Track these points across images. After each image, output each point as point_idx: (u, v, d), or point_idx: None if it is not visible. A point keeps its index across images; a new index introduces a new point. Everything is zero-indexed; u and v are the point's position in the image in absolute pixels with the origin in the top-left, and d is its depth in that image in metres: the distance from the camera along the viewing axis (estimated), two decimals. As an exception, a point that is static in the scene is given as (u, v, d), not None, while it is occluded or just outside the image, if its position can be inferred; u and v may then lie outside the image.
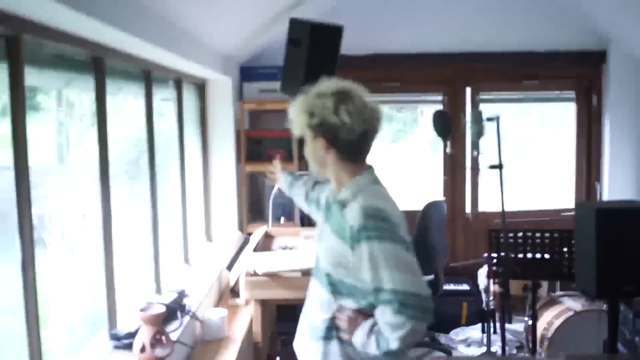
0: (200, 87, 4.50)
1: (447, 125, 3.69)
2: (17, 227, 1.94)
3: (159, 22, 2.81)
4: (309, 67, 4.10)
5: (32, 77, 2.05)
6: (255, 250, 3.66)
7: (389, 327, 1.74)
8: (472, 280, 5.03)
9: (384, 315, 1.76)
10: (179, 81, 3.89)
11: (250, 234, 4.16)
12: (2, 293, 1.99)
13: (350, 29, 5.04)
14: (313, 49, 4.03)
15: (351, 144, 1.89)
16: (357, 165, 1.96)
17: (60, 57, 2.34)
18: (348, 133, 1.86)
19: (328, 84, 1.94)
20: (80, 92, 2.75)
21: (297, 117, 1.94)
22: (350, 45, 5.06)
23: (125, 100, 3.22)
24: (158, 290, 3.29)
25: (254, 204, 5.08)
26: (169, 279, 3.53)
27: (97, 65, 2.59)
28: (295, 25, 4.03)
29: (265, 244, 3.94)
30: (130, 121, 3.39)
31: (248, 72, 4.92)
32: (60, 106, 6.88)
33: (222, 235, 4.52)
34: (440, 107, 5.35)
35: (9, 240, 1.94)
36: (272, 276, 3.15)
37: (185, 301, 3.18)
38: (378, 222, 1.79)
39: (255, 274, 3.15)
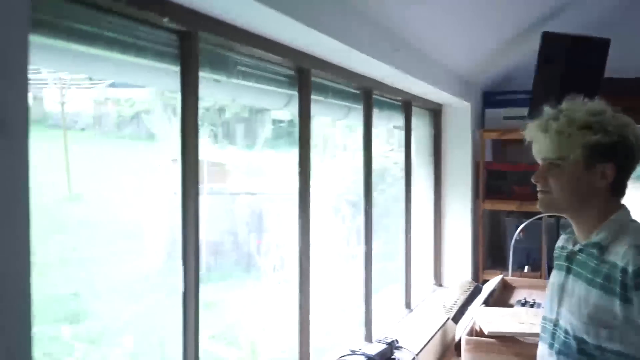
0: (435, 113, 4.08)
1: None
2: (182, 254, 1.87)
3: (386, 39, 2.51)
4: (564, 89, 3.42)
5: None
6: (486, 302, 3.07)
7: None
8: None
9: None
10: (407, 104, 3.50)
11: (485, 282, 3.57)
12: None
13: (620, 45, 4.23)
14: (570, 67, 3.38)
15: (631, 174, 1.58)
16: (619, 201, 1.61)
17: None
18: (636, 159, 1.56)
19: (581, 103, 1.59)
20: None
21: (557, 135, 1.52)
22: (620, 65, 4.24)
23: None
24: (368, 338, 2.89)
25: (493, 248, 4.43)
26: (383, 325, 3.13)
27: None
28: (549, 39, 3.42)
29: (502, 296, 3.31)
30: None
31: (491, 98, 4.36)
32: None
33: (454, 280, 3.98)
34: None
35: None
36: (502, 339, 2.54)
37: (397, 355, 2.73)
38: None
39: (480, 333, 2.58)
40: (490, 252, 4.32)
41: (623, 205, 1.60)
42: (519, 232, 3.72)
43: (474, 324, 2.71)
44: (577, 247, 1.60)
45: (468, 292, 3.32)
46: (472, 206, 4.08)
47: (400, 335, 3.00)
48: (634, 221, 1.59)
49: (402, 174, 3.55)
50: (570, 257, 1.61)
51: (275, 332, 3.49)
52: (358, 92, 2.88)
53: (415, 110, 3.86)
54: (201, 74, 1.72)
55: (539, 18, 3.61)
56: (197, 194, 1.88)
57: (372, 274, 2.94)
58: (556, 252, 1.74)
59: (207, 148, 5.95)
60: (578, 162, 1.51)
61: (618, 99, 4.34)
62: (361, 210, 3.03)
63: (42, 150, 1.53)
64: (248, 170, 5.56)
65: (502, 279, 3.46)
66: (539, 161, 1.60)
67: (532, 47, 3.65)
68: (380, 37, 2.48)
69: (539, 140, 1.56)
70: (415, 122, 4.12)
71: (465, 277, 3.61)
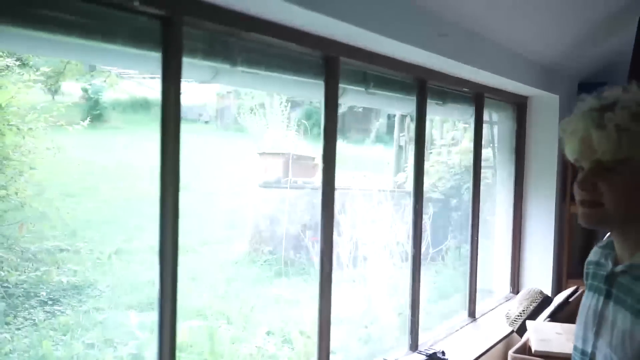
0: (519, 107, 3.74)
1: None
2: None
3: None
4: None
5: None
6: (552, 316, 2.77)
7: None
8: None
9: None
10: (479, 96, 3.24)
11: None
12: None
13: None
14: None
15: None
16: None
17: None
18: None
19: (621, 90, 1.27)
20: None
21: (637, 128, 1.20)
22: None
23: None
24: (413, 347, 2.70)
25: (580, 255, 4.01)
26: (438, 335, 2.92)
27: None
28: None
29: (574, 310, 2.96)
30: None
31: (588, 89, 3.90)
32: (402, 131, 6.67)
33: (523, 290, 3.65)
34: None
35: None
36: (550, 358, 2.25)
37: (440, 367, 2.51)
38: None
39: (528, 351, 2.31)
40: (575, 259, 3.90)
41: None
42: (606, 238, 3.35)
43: (527, 339, 2.44)
44: (619, 268, 1.30)
45: (536, 303, 3.00)
46: (556, 209, 3.70)
47: (451, 346, 2.79)
48: None
49: (471, 169, 3.28)
50: (610, 279, 1.33)
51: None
52: (413, 82, 2.69)
53: (495, 103, 3.58)
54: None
55: (631, 3, 3.19)
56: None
57: (420, 277, 2.73)
58: (589, 269, 1.45)
59: (294, 142, 5.98)
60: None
61: None
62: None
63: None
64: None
65: (579, 291, 3.10)
66: (584, 164, 1.28)
67: (631, 33, 3.27)
68: (429, 25, 2.30)
69: (590, 138, 1.23)
70: (496, 116, 3.84)
71: (536, 286, 3.26)
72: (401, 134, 6.89)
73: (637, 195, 1.22)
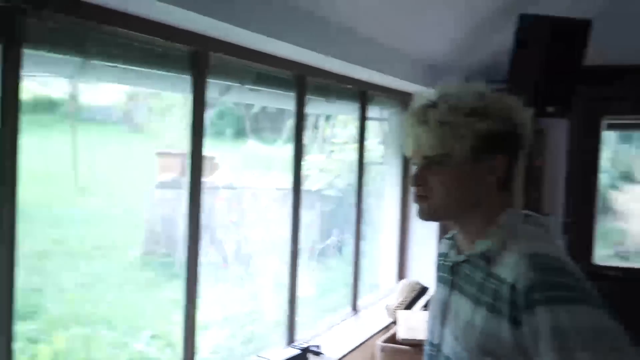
0: (407, 104, 3.82)
1: None
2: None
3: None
4: (539, 74, 3.17)
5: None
6: (426, 305, 2.84)
7: None
8: None
9: None
10: (363, 93, 3.29)
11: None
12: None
13: (616, 30, 3.90)
14: (546, 51, 3.13)
15: (517, 165, 1.30)
16: (509, 198, 1.31)
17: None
18: (525, 148, 1.29)
19: (464, 86, 1.31)
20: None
21: (439, 127, 1.23)
22: (616, 52, 3.92)
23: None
24: (290, 342, 2.71)
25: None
26: (319, 329, 2.95)
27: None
28: (526, 21, 3.17)
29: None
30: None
31: (473, 87, 4.07)
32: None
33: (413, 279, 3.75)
34: None
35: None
36: (418, 347, 2.31)
37: (314, 361, 2.53)
38: (561, 276, 1.15)
39: (395, 340, 2.37)
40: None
41: (513, 203, 1.31)
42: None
43: (396, 329, 2.50)
44: (460, 258, 1.32)
45: (414, 294, 3.08)
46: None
47: (331, 340, 2.82)
48: (527, 222, 1.30)
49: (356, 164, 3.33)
50: (453, 269, 1.34)
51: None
52: (290, 79, 2.69)
53: (384, 100, 3.66)
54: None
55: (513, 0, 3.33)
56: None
57: (297, 273, 2.75)
58: (439, 261, 1.46)
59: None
60: (465, 156, 1.23)
61: (616, 86, 4.04)
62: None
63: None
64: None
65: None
66: (415, 161, 1.29)
67: (511, 30, 3.40)
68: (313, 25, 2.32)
69: (416, 135, 1.25)
70: (383, 113, 3.92)
71: (415, 278, 3.36)
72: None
73: (463, 187, 1.25)
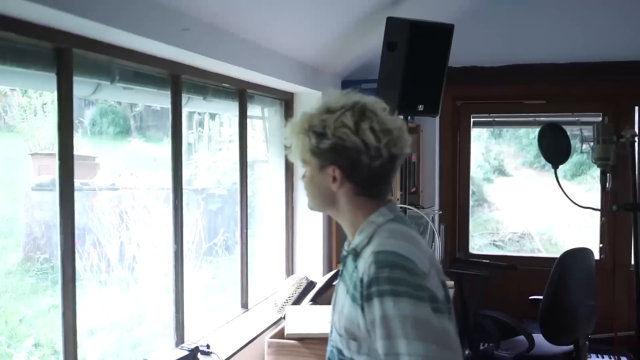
0: (287, 103, 3.89)
1: (561, 145, 2.62)
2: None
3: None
4: (407, 76, 3.31)
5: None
6: (314, 300, 2.92)
7: None
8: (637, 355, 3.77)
9: None
10: (242, 92, 3.30)
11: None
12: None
13: (480, 34, 4.19)
14: (412, 53, 3.26)
15: (373, 174, 1.44)
16: (378, 201, 1.47)
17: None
18: (372, 159, 1.41)
19: (338, 97, 1.47)
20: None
21: (296, 138, 1.45)
22: (482, 54, 4.22)
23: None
24: (179, 343, 2.68)
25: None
26: (209, 328, 2.94)
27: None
28: (393, 25, 3.30)
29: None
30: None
31: (351, 86, 4.19)
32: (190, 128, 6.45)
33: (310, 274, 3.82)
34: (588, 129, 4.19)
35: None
36: (306, 340, 2.38)
37: (203, 360, 2.53)
38: (393, 271, 1.30)
39: (283, 335, 2.41)
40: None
41: (389, 202, 1.47)
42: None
43: (285, 325, 2.55)
44: (344, 252, 1.49)
45: (301, 289, 3.15)
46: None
47: (220, 339, 2.82)
48: (397, 221, 1.45)
49: (237, 163, 3.35)
50: (343, 261, 1.49)
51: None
52: (165, 77, 2.66)
53: (264, 99, 3.69)
54: None
55: (382, 4, 3.48)
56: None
57: (183, 273, 2.73)
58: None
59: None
60: (313, 165, 1.45)
61: (483, 86, 4.28)
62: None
63: None
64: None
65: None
66: None
67: (382, 32, 3.54)
68: (173, 20, 2.29)
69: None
70: (265, 111, 3.95)
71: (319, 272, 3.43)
72: (190, 131, 6.83)
73: (318, 188, 1.46)
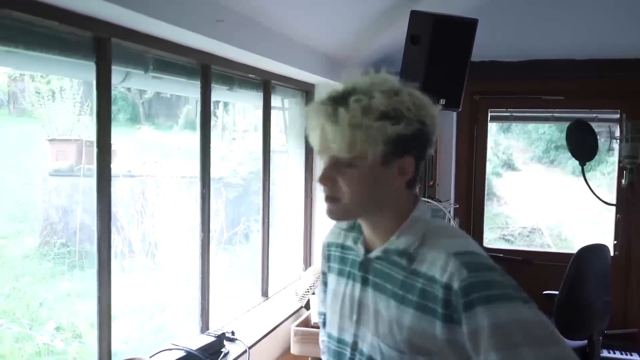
0: (308, 94, 3.92)
1: (589, 142, 2.65)
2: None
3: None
4: (430, 70, 3.33)
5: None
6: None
7: None
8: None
9: None
10: (267, 83, 3.33)
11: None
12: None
13: (499, 28, 4.20)
14: (435, 47, 3.27)
15: (424, 163, 1.30)
16: (414, 195, 1.32)
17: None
18: (432, 145, 1.27)
19: (379, 77, 1.28)
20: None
21: (359, 128, 1.17)
22: (500, 49, 4.22)
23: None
24: (204, 329, 2.73)
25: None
26: (231, 316, 2.98)
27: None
28: (416, 18, 3.31)
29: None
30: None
31: (370, 78, 4.23)
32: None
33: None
34: (616, 126, 4.21)
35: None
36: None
37: (228, 347, 2.57)
38: (490, 273, 1.17)
39: (308, 324, 2.45)
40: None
41: (418, 198, 1.32)
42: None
43: (310, 313, 2.59)
44: (374, 254, 1.29)
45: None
46: (344, 190, 3.94)
47: (243, 326, 2.86)
48: (435, 218, 1.33)
49: (261, 155, 3.37)
50: (364, 265, 1.31)
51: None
52: (195, 67, 2.69)
53: (285, 90, 3.72)
54: None
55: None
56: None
57: (209, 261, 2.76)
58: (334, 251, 1.43)
59: (88, 127, 5.66)
60: (375, 160, 1.20)
61: (501, 81, 4.30)
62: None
63: None
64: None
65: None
66: (323, 158, 1.26)
67: (404, 25, 3.55)
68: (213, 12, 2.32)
69: (324, 133, 1.20)
70: (287, 102, 3.98)
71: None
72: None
73: (373, 189, 1.23)
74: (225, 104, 5.60)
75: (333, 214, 1.28)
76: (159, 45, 2.32)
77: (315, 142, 1.25)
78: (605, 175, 7.20)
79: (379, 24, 3.66)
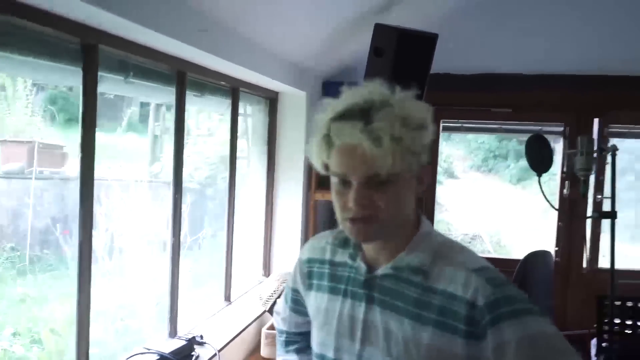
0: (272, 101, 3.99)
1: (545, 155, 2.85)
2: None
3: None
4: (392, 81, 3.47)
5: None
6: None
7: None
8: (585, 352, 4.05)
9: None
10: (235, 90, 3.38)
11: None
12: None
13: (454, 43, 4.38)
14: (399, 60, 3.41)
15: None
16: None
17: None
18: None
19: (380, 87, 1.23)
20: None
21: (410, 135, 1.13)
22: (453, 62, 4.41)
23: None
24: (173, 334, 2.75)
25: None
26: (198, 320, 3.01)
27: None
28: (380, 31, 3.43)
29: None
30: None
31: (331, 88, 4.34)
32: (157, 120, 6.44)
33: (284, 270, 3.93)
34: (560, 139, 4.47)
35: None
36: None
37: (198, 351, 2.61)
38: (510, 288, 1.17)
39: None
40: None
41: (420, 213, 1.27)
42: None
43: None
44: (382, 271, 1.23)
45: (284, 284, 3.26)
46: (304, 196, 4.03)
47: (210, 330, 2.90)
48: (437, 232, 1.29)
49: (227, 161, 3.42)
50: (369, 283, 1.24)
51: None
52: (173, 74, 2.72)
53: (250, 97, 3.77)
54: None
55: (371, 10, 3.62)
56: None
57: (179, 266, 2.79)
58: (318, 268, 1.36)
59: (40, 129, 5.51)
60: (412, 172, 1.16)
61: (453, 93, 4.44)
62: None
63: None
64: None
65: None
66: (353, 178, 1.15)
67: (367, 37, 3.67)
68: (190, 19, 2.36)
69: (364, 153, 1.11)
70: (250, 109, 4.03)
71: (286, 269, 3.56)
72: (156, 123, 6.79)
73: (409, 202, 1.19)
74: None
75: (368, 235, 1.19)
76: (141, 52, 2.35)
77: (345, 163, 1.15)
78: (544, 184, 7.55)
79: (344, 35, 3.77)
